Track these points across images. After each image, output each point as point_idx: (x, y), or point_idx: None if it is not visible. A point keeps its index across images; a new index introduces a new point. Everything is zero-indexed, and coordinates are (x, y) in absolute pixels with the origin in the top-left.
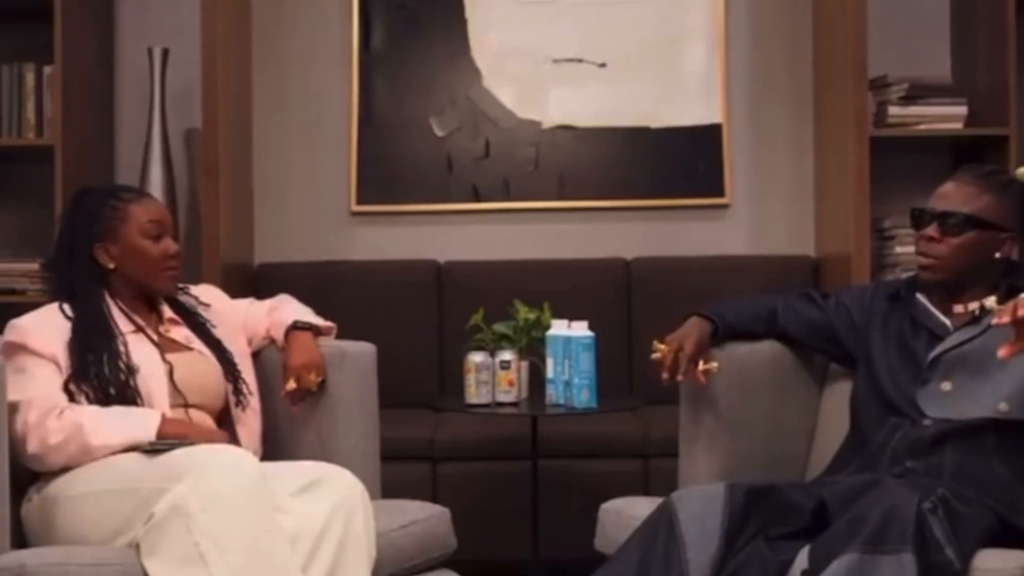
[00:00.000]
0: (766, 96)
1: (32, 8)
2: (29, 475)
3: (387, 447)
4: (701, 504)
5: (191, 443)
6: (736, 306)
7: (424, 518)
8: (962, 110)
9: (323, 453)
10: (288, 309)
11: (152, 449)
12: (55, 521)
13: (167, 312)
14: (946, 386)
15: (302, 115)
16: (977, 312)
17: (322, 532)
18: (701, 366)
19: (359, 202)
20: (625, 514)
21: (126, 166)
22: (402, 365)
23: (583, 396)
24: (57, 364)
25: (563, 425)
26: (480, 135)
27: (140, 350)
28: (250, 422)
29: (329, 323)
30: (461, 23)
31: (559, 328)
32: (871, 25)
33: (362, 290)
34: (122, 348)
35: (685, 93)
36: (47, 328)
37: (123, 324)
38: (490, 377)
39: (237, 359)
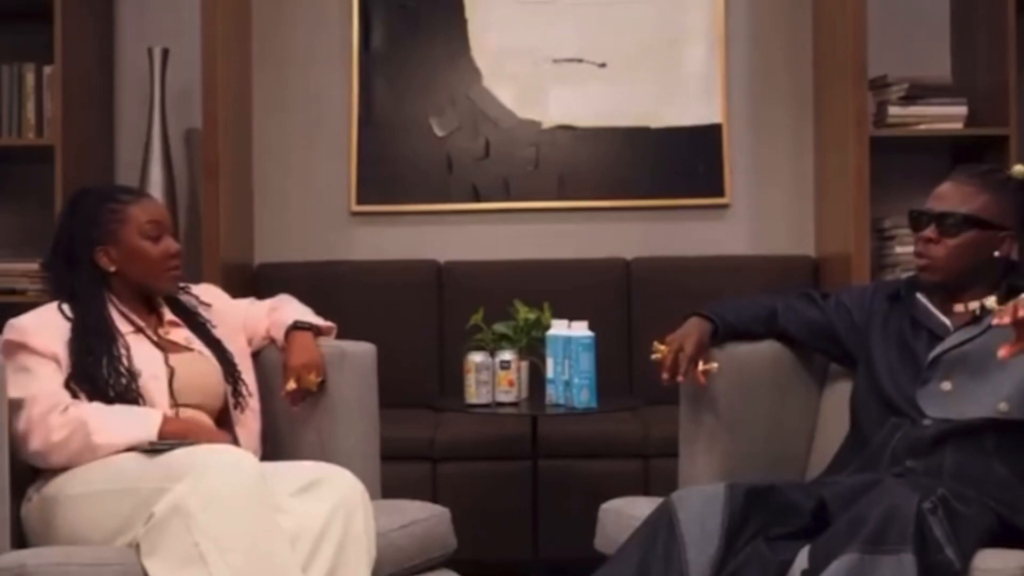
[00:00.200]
0: (766, 96)
1: (32, 8)
2: (29, 475)
3: (387, 447)
4: (701, 504)
5: (191, 443)
6: (736, 306)
7: (424, 518)
8: (962, 110)
9: (323, 453)
10: (288, 309)
11: (152, 449)
12: (55, 521)
13: (167, 314)
14: (946, 386)
15: (302, 115)
16: (977, 312)
17: (322, 532)
18: (701, 366)
19: (359, 202)
20: (625, 514)
21: (126, 166)
22: (402, 365)
23: (583, 396)
24: (58, 363)
25: (563, 425)
26: (480, 135)
27: (141, 352)
28: (249, 423)
29: (329, 323)
30: (461, 23)
31: (559, 328)
32: (871, 25)
33: (362, 290)
34: (123, 351)
35: (685, 93)
36: (47, 328)
37: (123, 326)
38: (490, 377)
39: (237, 359)
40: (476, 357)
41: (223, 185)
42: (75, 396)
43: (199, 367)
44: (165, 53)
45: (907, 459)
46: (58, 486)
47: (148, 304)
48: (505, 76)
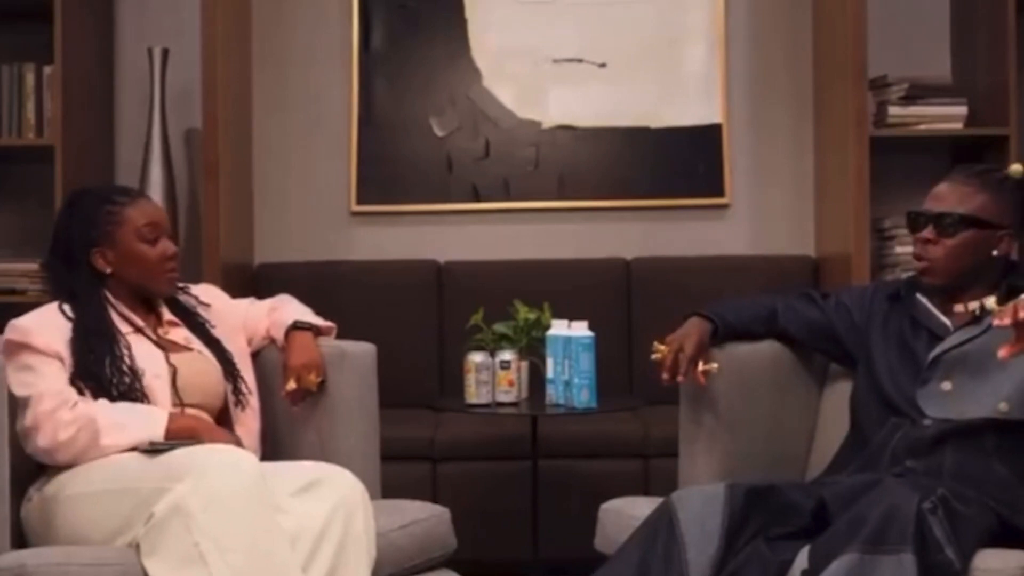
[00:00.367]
0: (766, 96)
1: (32, 8)
2: (29, 475)
3: (387, 447)
4: (701, 504)
5: (191, 443)
6: (736, 306)
7: (424, 518)
8: (962, 110)
9: (323, 453)
10: (288, 309)
11: (152, 449)
12: (55, 521)
13: (166, 314)
14: (946, 386)
15: (302, 115)
16: (977, 312)
17: (322, 532)
18: (701, 367)
19: (359, 202)
20: (625, 514)
21: (126, 166)
22: (402, 365)
23: (583, 396)
24: (62, 361)
25: (563, 425)
26: (480, 135)
27: (142, 351)
28: (249, 422)
29: (329, 323)
30: (461, 23)
31: (559, 328)
32: (871, 25)
33: (362, 290)
34: (124, 351)
35: (685, 93)
36: (49, 327)
37: (122, 326)
38: (490, 377)
39: (236, 359)
40: (476, 357)
41: (223, 185)
42: (80, 393)
43: (199, 366)
44: (165, 53)
45: (907, 459)
46: (58, 486)
47: (147, 304)
48: (505, 76)
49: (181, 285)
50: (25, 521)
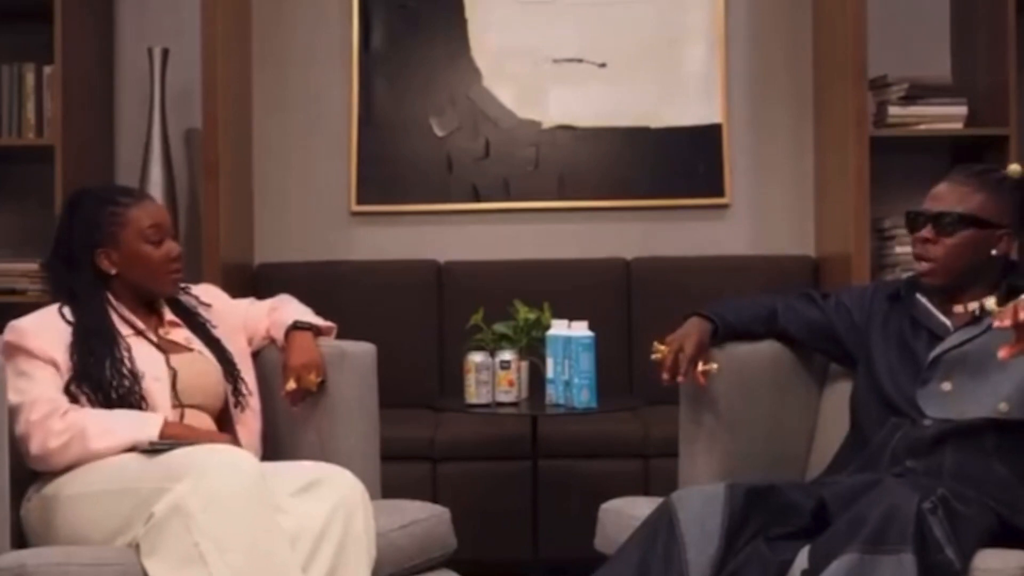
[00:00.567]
0: (766, 96)
1: (32, 8)
2: (29, 475)
3: (387, 447)
4: (701, 504)
5: (191, 443)
6: (736, 306)
7: (424, 518)
8: (962, 110)
9: (323, 453)
10: (288, 309)
11: (152, 449)
12: (55, 521)
13: (167, 314)
14: (946, 386)
15: (302, 115)
16: (977, 312)
17: (322, 532)
18: (701, 367)
19: (359, 202)
20: (625, 514)
21: (126, 166)
22: (402, 365)
23: (583, 396)
24: (56, 367)
25: (563, 425)
26: (480, 135)
27: (142, 354)
28: (249, 422)
29: (329, 323)
30: (461, 23)
31: (559, 328)
32: (871, 25)
33: (362, 290)
34: (125, 353)
35: (685, 93)
36: (47, 331)
37: (123, 328)
38: (490, 377)
39: (237, 359)
40: (476, 357)
41: (223, 185)
42: (75, 401)
43: (200, 367)
44: (165, 53)
45: (907, 459)
46: (58, 486)
47: (148, 305)
48: (505, 76)
49: (182, 285)
50: (25, 521)
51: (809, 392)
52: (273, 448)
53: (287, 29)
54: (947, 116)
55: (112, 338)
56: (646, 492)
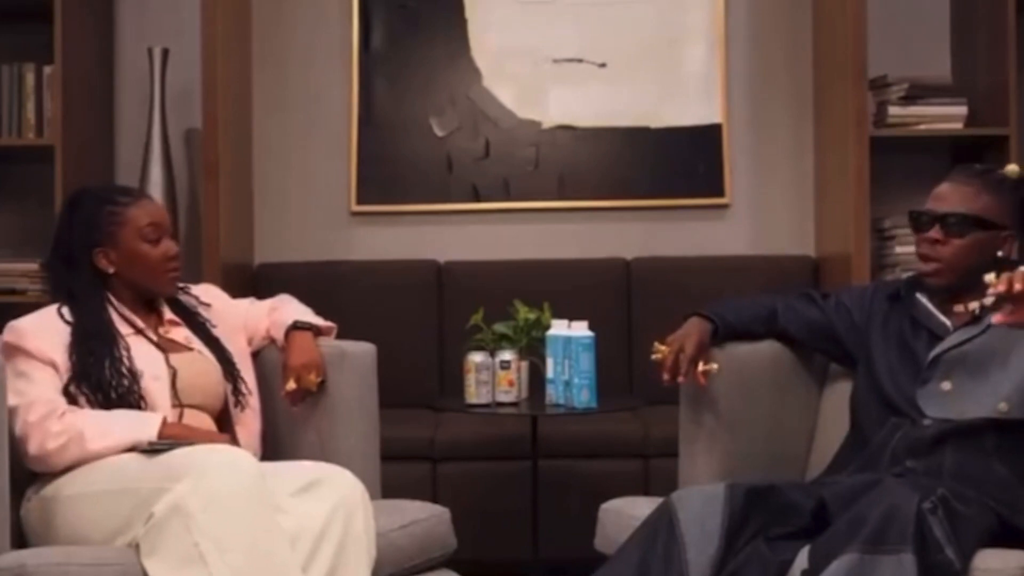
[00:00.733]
0: (766, 96)
1: (32, 8)
2: (29, 475)
3: (387, 447)
4: (701, 504)
5: (191, 443)
6: (736, 306)
7: (424, 518)
8: (962, 110)
9: (323, 453)
10: (288, 309)
11: (151, 449)
12: (55, 521)
13: (167, 313)
14: (946, 386)
15: (302, 115)
16: (976, 312)
17: (322, 532)
18: (701, 367)
19: (359, 202)
20: (625, 514)
21: (126, 166)
22: (402, 365)
23: (583, 396)
24: (55, 368)
25: (563, 425)
26: (480, 135)
27: (141, 353)
28: (249, 422)
29: (329, 323)
30: (461, 23)
31: (559, 328)
32: (871, 25)
33: (362, 290)
34: (124, 352)
35: (685, 93)
36: (45, 331)
37: (123, 327)
38: (490, 377)
39: (236, 359)
40: (476, 357)
41: (223, 185)
42: (74, 401)
43: (200, 367)
44: (165, 53)
45: (907, 459)
46: (57, 486)
47: (148, 304)
48: (505, 76)
49: (181, 285)
50: (25, 521)
51: (809, 392)
52: (273, 448)
53: (287, 29)
54: (947, 116)
55: (111, 337)
56: (646, 492)
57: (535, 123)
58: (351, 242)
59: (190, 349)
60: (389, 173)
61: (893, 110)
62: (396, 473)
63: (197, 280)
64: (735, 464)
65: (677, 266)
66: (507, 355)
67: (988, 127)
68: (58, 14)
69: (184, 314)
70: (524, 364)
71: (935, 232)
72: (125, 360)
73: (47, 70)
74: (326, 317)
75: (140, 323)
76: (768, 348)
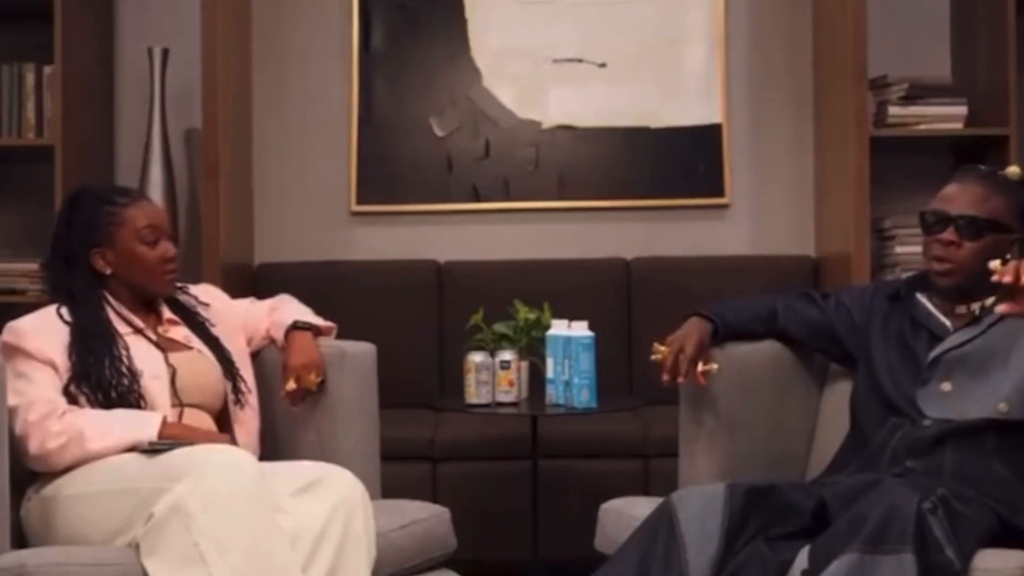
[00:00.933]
0: (766, 96)
1: (32, 8)
2: (29, 475)
3: (387, 447)
4: (701, 504)
5: (190, 443)
6: (736, 306)
7: (424, 518)
8: (962, 110)
9: (323, 453)
10: (288, 309)
11: (151, 449)
12: (55, 521)
13: (166, 312)
14: (946, 386)
15: (302, 115)
16: (977, 312)
17: (322, 532)
18: (701, 367)
19: (359, 202)
20: (625, 514)
21: (126, 166)
22: (402, 365)
23: (583, 396)
24: (54, 368)
25: (563, 425)
26: (480, 135)
27: (141, 352)
28: (248, 421)
29: (329, 323)
30: (461, 23)
31: (559, 328)
32: (871, 25)
33: (362, 290)
34: (123, 351)
35: (685, 93)
36: (45, 331)
37: (122, 326)
38: (490, 377)
39: (236, 358)
40: (476, 357)
41: (223, 185)
42: (75, 401)
43: (199, 366)
44: (165, 53)
45: (907, 459)
46: (57, 486)
47: (147, 303)
48: (505, 76)
49: (180, 285)
50: (25, 521)
51: (809, 392)
52: (273, 448)
53: (287, 29)
54: (947, 116)
55: (110, 337)
56: (646, 492)
57: (535, 123)
58: (351, 242)
59: (189, 348)
60: (389, 173)
61: (893, 110)
62: (396, 473)
63: (197, 280)
64: (735, 464)
65: (677, 266)
66: (507, 355)
67: (988, 127)
68: (58, 14)
69: (183, 313)
70: (524, 364)
71: (949, 234)
72: (124, 359)
73: (47, 70)
74: (326, 317)
75: (139, 322)
76: (768, 348)
